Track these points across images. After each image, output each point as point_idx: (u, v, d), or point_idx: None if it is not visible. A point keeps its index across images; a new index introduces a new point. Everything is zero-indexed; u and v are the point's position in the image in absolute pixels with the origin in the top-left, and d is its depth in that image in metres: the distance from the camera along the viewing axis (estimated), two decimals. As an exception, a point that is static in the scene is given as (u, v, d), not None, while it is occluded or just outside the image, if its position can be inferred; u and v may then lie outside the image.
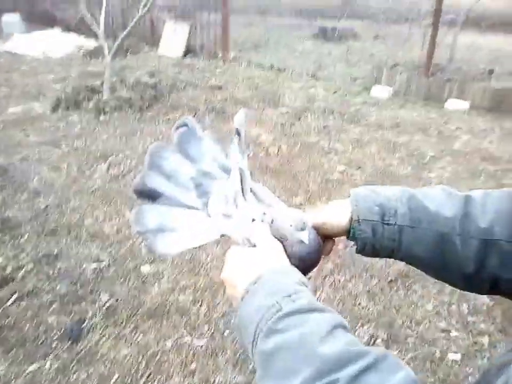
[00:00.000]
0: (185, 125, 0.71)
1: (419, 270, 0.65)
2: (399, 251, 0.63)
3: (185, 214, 0.68)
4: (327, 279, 2.54)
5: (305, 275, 0.58)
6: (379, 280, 2.52)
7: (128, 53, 7.10)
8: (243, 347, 0.56)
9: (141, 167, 3.75)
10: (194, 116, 4.65)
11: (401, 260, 0.65)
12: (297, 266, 0.59)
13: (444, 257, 0.61)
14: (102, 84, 5.12)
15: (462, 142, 4.26)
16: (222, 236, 0.68)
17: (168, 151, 0.70)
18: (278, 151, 3.94)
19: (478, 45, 7.43)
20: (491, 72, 6.51)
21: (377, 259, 2.67)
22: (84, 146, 3.98)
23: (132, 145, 4.02)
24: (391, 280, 2.53)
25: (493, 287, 0.61)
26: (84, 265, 2.51)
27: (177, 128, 0.71)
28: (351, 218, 0.63)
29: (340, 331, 0.48)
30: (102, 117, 4.57)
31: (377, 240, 0.62)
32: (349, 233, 0.64)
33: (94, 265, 2.52)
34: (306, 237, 0.60)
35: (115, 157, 3.81)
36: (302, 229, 0.60)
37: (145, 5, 5.17)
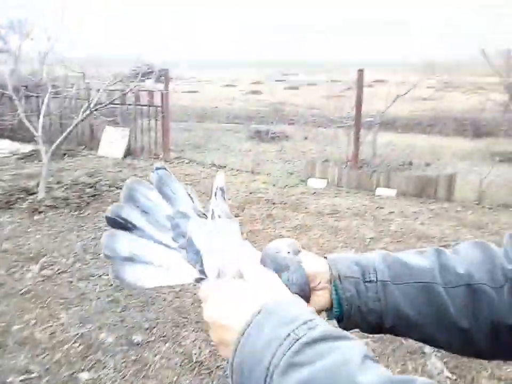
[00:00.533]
0: (164, 168, 0.71)
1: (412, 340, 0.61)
2: (387, 314, 0.59)
3: (160, 250, 0.64)
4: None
5: None
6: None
7: (66, 156, 7.06)
8: None
9: (79, 265, 3.51)
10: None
11: (392, 328, 0.61)
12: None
13: (435, 312, 0.58)
14: (38, 184, 4.96)
15: (396, 224, 4.53)
16: (197, 280, 0.63)
17: (146, 188, 0.68)
18: (225, 240, 3.90)
19: (394, 143, 8.34)
20: (410, 163, 7.28)
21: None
22: (15, 247, 3.68)
23: (68, 244, 3.79)
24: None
25: (494, 344, 0.58)
26: (10, 379, 2.15)
27: (156, 169, 0.70)
28: (331, 278, 0.61)
29: (371, 362, 0.42)
30: (36, 217, 4.33)
31: (362, 301, 0.60)
32: (330, 293, 0.61)
33: (22, 377, 2.17)
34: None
35: (49, 257, 3.54)
36: (299, 252, 0.59)
37: (84, 111, 5.32)
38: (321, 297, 0.62)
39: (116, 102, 6.54)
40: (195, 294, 3.10)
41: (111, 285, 3.14)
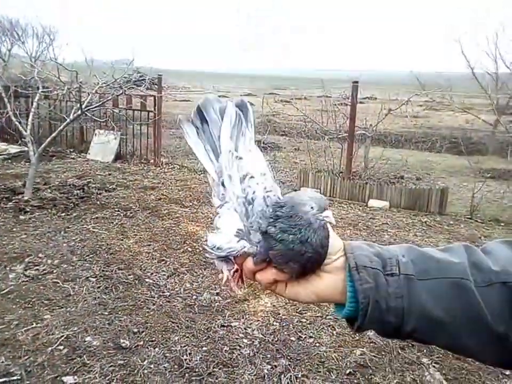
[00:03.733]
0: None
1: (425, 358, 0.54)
2: (410, 313, 0.51)
3: None
4: (282, 376, 2.28)
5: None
6: (338, 374, 2.32)
7: (54, 158, 6.91)
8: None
9: (65, 266, 3.37)
10: (126, 214, 4.45)
11: (413, 332, 0.52)
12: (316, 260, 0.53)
13: (466, 313, 0.50)
14: (24, 185, 4.81)
15: (390, 235, 4.49)
16: None
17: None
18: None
19: (385, 157, 8.38)
20: (402, 177, 7.30)
21: (331, 350, 2.49)
22: (-2, 246, 3.52)
23: (55, 244, 3.66)
24: (349, 373, 2.34)
25: None
26: (-13, 381, 2.02)
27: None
28: (347, 266, 0.54)
29: None
30: (22, 217, 4.18)
31: (382, 296, 0.51)
32: (344, 280, 0.55)
33: (2, 380, 2.03)
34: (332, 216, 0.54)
35: (34, 257, 3.40)
36: (325, 210, 0.54)
37: (75, 111, 5.20)
38: (332, 279, 0.55)
39: (108, 105, 6.44)
40: (185, 299, 2.99)
41: (99, 287, 3.02)
